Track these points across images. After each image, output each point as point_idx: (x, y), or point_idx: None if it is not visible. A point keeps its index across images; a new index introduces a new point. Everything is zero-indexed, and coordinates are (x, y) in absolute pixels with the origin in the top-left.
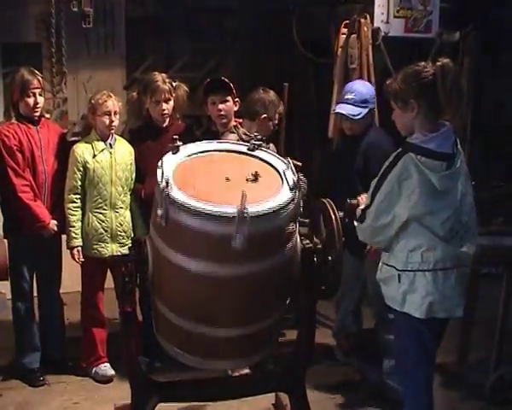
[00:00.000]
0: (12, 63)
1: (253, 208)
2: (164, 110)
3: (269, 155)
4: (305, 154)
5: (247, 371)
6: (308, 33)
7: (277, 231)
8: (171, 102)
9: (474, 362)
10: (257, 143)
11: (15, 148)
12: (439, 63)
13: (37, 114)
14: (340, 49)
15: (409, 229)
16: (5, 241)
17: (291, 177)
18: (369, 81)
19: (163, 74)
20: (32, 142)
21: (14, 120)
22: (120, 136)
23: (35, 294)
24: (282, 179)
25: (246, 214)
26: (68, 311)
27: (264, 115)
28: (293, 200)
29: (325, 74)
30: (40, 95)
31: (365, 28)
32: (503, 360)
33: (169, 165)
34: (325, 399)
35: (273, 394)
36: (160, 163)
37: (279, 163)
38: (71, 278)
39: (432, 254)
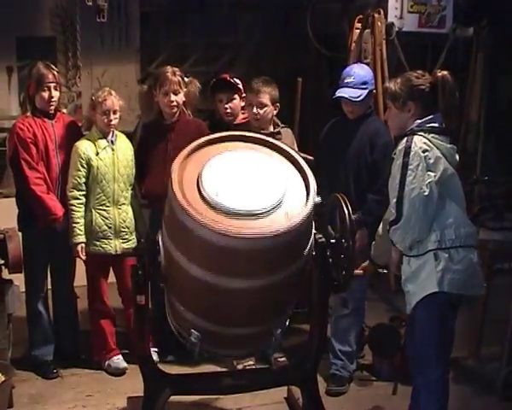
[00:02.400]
0: (27, 57)
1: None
2: (172, 102)
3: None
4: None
5: (252, 362)
6: (322, 28)
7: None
8: (181, 95)
9: (486, 357)
10: None
11: (29, 141)
12: (439, 74)
13: (53, 107)
14: (353, 44)
15: (440, 206)
16: (19, 233)
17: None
18: (383, 76)
19: (175, 68)
20: (47, 135)
21: (29, 114)
22: (134, 131)
23: (49, 286)
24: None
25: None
26: (81, 304)
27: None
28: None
29: (339, 69)
30: (55, 89)
31: (379, 23)
32: None
33: None
34: None
35: (285, 387)
36: None
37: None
38: (82, 272)
39: (462, 230)
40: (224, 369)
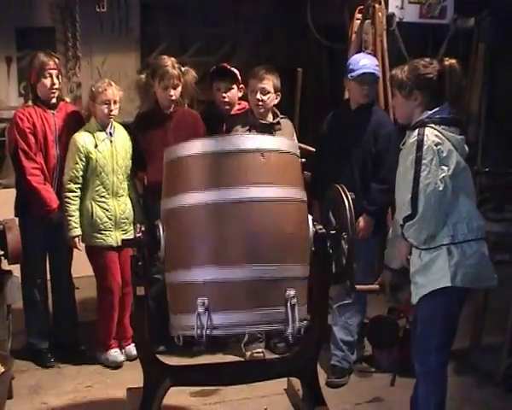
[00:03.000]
0: (26, 47)
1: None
2: (171, 96)
3: None
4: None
5: (261, 351)
6: (322, 19)
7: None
8: (179, 89)
9: (486, 348)
10: None
11: (28, 131)
12: (446, 63)
13: (55, 95)
14: (354, 35)
15: (453, 200)
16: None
17: None
18: (383, 67)
19: (172, 59)
20: (47, 125)
21: (30, 103)
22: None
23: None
24: None
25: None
26: (80, 295)
27: None
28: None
29: (339, 60)
30: (57, 77)
31: (380, 14)
32: None
33: None
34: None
35: (285, 379)
36: None
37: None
38: (83, 262)
39: (474, 223)
40: (223, 361)
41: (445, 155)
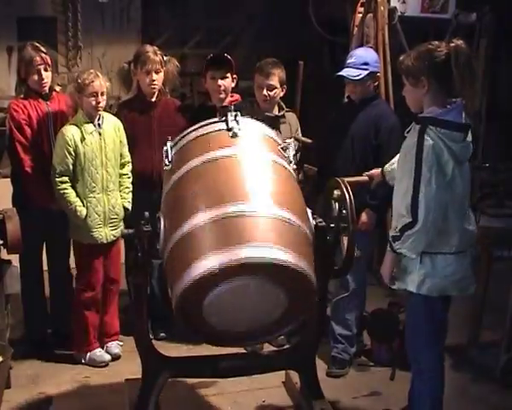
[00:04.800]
0: (27, 37)
1: None
2: (153, 81)
3: None
4: (319, 132)
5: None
6: (324, 12)
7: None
8: (161, 74)
9: (485, 344)
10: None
11: (24, 122)
12: (452, 44)
13: (46, 88)
14: (356, 29)
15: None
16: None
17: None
18: (385, 61)
19: (154, 47)
20: (42, 116)
21: (23, 96)
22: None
23: (45, 268)
24: None
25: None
26: None
27: None
28: None
29: (341, 54)
30: (45, 70)
31: (382, 8)
32: None
33: None
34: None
35: (283, 371)
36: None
37: None
38: None
39: (454, 238)
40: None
41: (442, 163)
